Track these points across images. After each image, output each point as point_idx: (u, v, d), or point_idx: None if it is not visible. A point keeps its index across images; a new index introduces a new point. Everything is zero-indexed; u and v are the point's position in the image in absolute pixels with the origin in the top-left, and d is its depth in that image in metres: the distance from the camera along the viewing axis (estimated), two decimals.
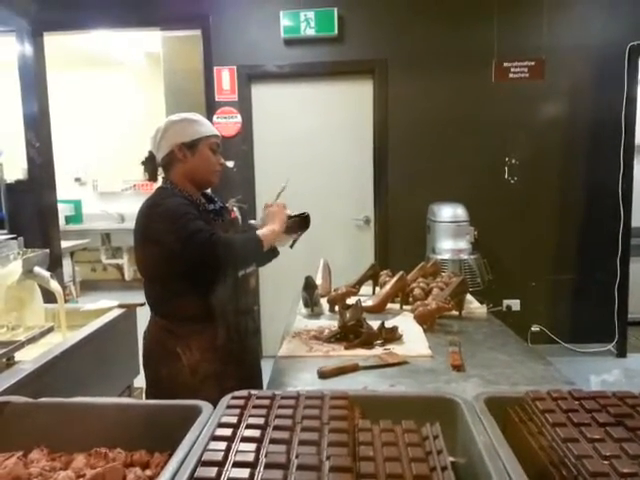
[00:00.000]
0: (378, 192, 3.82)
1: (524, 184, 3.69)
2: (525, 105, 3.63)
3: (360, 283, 2.33)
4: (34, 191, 3.87)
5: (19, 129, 3.81)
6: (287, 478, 0.60)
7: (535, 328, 3.75)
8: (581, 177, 3.67)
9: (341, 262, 2.83)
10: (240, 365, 1.64)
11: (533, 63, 3.53)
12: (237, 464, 0.63)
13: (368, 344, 1.66)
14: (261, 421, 0.73)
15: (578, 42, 3.58)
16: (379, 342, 1.67)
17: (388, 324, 1.73)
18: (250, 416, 0.74)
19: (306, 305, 2.11)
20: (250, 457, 0.64)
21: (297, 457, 0.64)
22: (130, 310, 2.12)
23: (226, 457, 0.64)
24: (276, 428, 0.71)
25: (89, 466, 0.71)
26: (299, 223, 1.80)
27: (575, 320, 3.74)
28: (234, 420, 0.73)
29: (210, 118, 3.66)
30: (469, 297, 2.18)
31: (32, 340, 1.87)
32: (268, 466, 0.62)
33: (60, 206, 4.55)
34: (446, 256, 3.28)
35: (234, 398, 0.81)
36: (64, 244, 4.52)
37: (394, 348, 1.62)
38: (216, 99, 3.75)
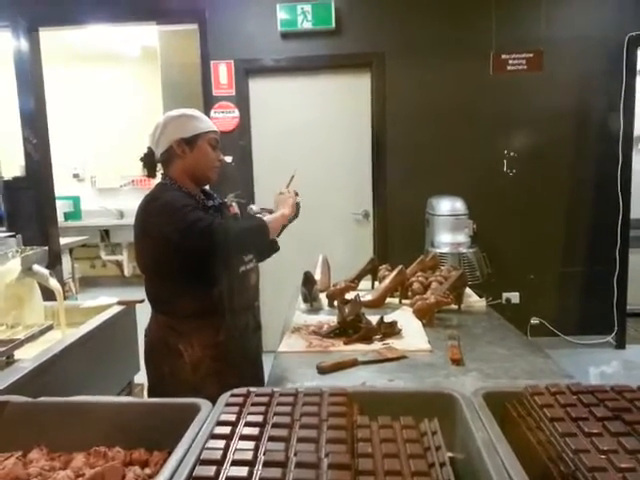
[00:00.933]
0: (377, 186, 3.82)
1: (523, 177, 3.68)
2: (523, 97, 3.62)
3: (359, 278, 2.33)
4: (32, 188, 3.86)
5: (16, 126, 3.79)
6: (286, 476, 0.61)
7: (534, 321, 3.75)
8: (580, 169, 3.67)
9: (340, 257, 2.82)
10: (242, 361, 1.65)
11: (531, 55, 3.52)
12: (236, 462, 0.63)
13: (367, 339, 1.66)
14: (260, 419, 0.73)
15: (576, 33, 3.56)
16: (378, 337, 1.67)
17: (387, 319, 1.73)
18: (249, 414, 0.75)
19: (305, 300, 2.12)
20: (249, 455, 0.64)
21: (296, 455, 0.64)
22: (130, 307, 2.12)
23: (225, 455, 0.64)
24: (275, 426, 0.71)
25: (88, 465, 0.71)
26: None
27: (574, 312, 3.75)
28: (233, 418, 0.73)
29: (208, 113, 3.64)
30: (468, 291, 2.18)
31: (31, 338, 1.87)
32: (267, 464, 0.62)
33: (58, 203, 4.54)
34: (445, 250, 3.28)
35: (233, 396, 0.81)
36: (63, 241, 4.52)
37: (393, 343, 1.62)
38: (213, 94, 3.73)
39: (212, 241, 1.44)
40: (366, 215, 3.88)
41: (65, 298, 3.76)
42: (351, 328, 1.70)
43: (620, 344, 3.72)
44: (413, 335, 1.70)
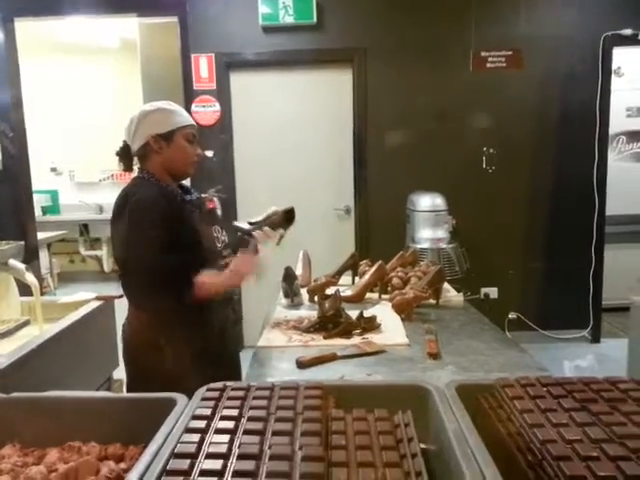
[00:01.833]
0: (358, 181, 3.83)
1: (502, 173, 3.73)
2: (502, 95, 3.67)
3: (340, 273, 2.34)
4: (8, 182, 3.79)
5: None
6: (259, 468, 0.61)
7: (512, 315, 3.82)
8: (557, 166, 3.73)
9: (322, 252, 2.83)
10: (222, 355, 1.65)
11: (510, 53, 3.57)
12: (210, 455, 0.63)
13: (347, 334, 1.68)
14: (235, 412, 0.73)
15: (554, 32, 3.61)
16: (357, 331, 1.69)
17: (367, 314, 1.75)
18: (224, 408, 0.75)
19: (286, 295, 2.12)
20: (223, 448, 0.64)
21: (270, 447, 0.65)
22: (108, 302, 2.10)
23: (199, 449, 0.64)
24: (250, 419, 0.72)
25: (62, 461, 0.71)
26: (284, 217, 1.78)
27: (551, 307, 3.82)
28: (208, 412, 0.73)
29: (188, 107, 3.62)
30: (446, 286, 2.21)
31: (7, 334, 1.85)
32: (241, 457, 0.63)
33: (36, 197, 4.47)
34: (425, 245, 3.31)
35: (209, 390, 0.81)
36: (41, 235, 4.44)
37: (372, 337, 1.64)
38: (194, 87, 3.70)
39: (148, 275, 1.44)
40: (347, 210, 3.90)
41: (43, 293, 3.72)
42: (331, 323, 1.71)
43: (595, 338, 3.81)
44: (392, 330, 1.72)
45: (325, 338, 1.66)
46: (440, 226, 3.35)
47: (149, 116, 1.58)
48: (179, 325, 1.54)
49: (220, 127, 3.74)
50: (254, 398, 0.78)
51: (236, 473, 0.60)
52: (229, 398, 0.78)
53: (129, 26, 4.63)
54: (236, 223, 1.84)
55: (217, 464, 0.62)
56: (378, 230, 3.77)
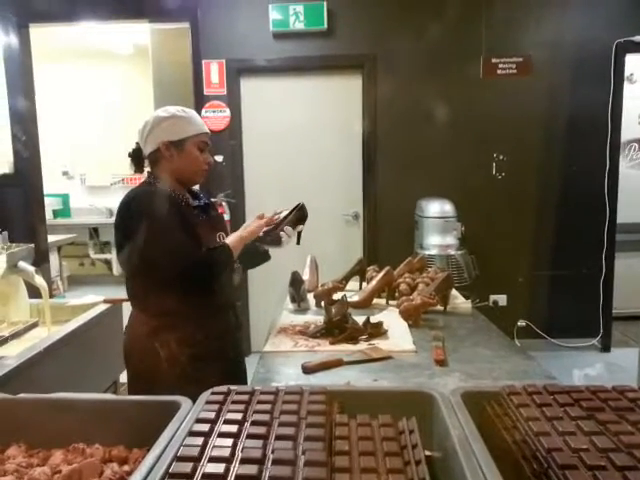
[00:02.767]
0: (367, 187, 3.83)
1: (511, 180, 3.71)
2: (513, 101, 3.65)
3: (347, 278, 2.34)
4: (20, 185, 3.83)
5: (5, 122, 3.76)
6: (262, 473, 0.61)
7: (521, 323, 3.78)
8: (568, 173, 3.70)
9: (330, 257, 2.83)
10: (222, 361, 1.64)
11: (521, 59, 3.55)
12: (213, 459, 0.63)
13: (353, 339, 1.67)
14: (239, 416, 0.73)
15: (566, 39, 3.60)
16: (364, 337, 1.68)
17: (373, 319, 1.74)
18: (228, 411, 0.75)
19: (293, 300, 2.12)
20: (226, 452, 0.64)
21: (273, 452, 0.65)
22: (116, 305, 2.12)
23: (202, 452, 0.64)
24: (254, 423, 0.72)
25: (66, 462, 0.71)
26: (297, 215, 1.78)
27: (561, 315, 3.78)
28: (212, 416, 0.73)
29: (199, 112, 3.64)
30: (454, 292, 2.20)
31: (16, 335, 1.87)
32: (243, 461, 0.63)
33: (47, 200, 4.51)
34: (434, 251, 3.30)
35: (213, 394, 0.81)
36: (51, 238, 4.48)
37: (379, 343, 1.63)
38: (205, 93, 3.73)
39: (184, 272, 1.47)
40: (356, 216, 3.90)
41: (53, 296, 3.75)
42: (337, 328, 1.71)
43: (605, 347, 3.76)
44: (399, 336, 1.71)
45: (331, 343, 1.65)
46: (449, 232, 3.34)
47: (162, 122, 1.58)
48: (180, 330, 1.54)
49: (230, 132, 3.76)
50: (258, 402, 0.78)
51: (239, 477, 0.60)
52: (233, 402, 0.78)
53: (141, 32, 4.67)
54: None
55: (220, 468, 0.61)
56: (386, 236, 3.77)
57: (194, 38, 3.69)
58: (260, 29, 3.64)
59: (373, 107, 3.72)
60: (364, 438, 0.70)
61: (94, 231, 6.04)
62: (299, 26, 3.59)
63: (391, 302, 2.11)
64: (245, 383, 1.73)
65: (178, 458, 0.63)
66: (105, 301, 2.10)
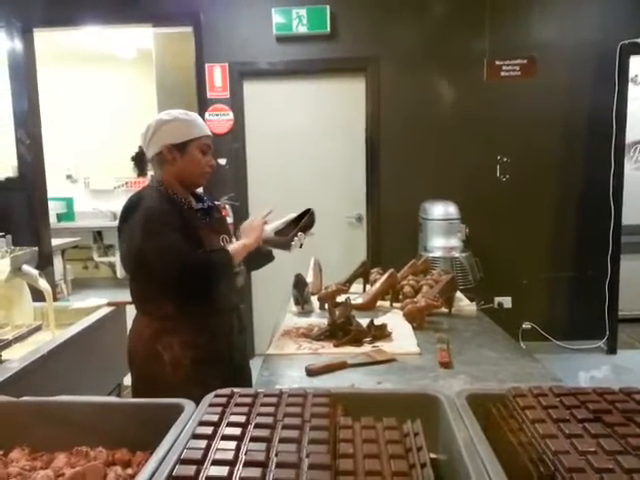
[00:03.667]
0: (370, 190, 3.83)
1: (516, 182, 3.70)
2: (517, 103, 3.64)
3: (351, 281, 2.33)
4: (24, 189, 3.85)
5: (9, 126, 3.78)
6: (266, 476, 0.61)
7: (526, 325, 3.76)
8: (572, 175, 3.69)
9: (334, 260, 2.83)
10: (226, 364, 1.64)
11: (525, 61, 3.54)
12: (216, 462, 0.62)
13: (357, 342, 1.66)
14: (242, 419, 0.73)
15: (570, 40, 3.59)
16: (368, 340, 1.68)
17: (377, 322, 1.74)
18: (232, 414, 0.74)
19: (296, 303, 2.12)
20: (230, 455, 0.64)
21: (277, 455, 0.64)
22: (120, 308, 2.12)
23: (206, 455, 0.64)
24: (257, 426, 0.71)
25: (69, 465, 0.71)
26: (307, 221, 1.78)
27: (566, 317, 3.76)
28: (215, 418, 0.72)
29: (202, 115, 3.64)
30: (459, 295, 2.19)
31: (20, 339, 1.87)
32: (247, 464, 0.62)
33: (51, 204, 4.53)
34: (438, 254, 3.29)
35: (217, 396, 0.81)
36: (55, 242, 4.50)
37: (383, 346, 1.63)
38: (208, 96, 3.74)
39: (179, 274, 1.46)
40: (359, 218, 3.89)
41: (56, 299, 3.75)
42: (341, 331, 1.70)
43: (611, 349, 3.73)
44: (403, 338, 1.70)
45: (335, 346, 1.64)
46: (453, 235, 3.33)
47: (165, 125, 1.58)
48: (183, 332, 1.54)
49: (233, 135, 3.77)
50: (261, 405, 0.77)
51: None
52: (236, 404, 0.78)
53: (145, 36, 4.69)
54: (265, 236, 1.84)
55: (223, 471, 0.61)
56: (390, 238, 3.76)
57: (197, 42, 3.70)
58: (263, 33, 3.65)
59: (376, 109, 3.72)
60: (368, 441, 0.69)
61: (98, 234, 6.06)
62: (302, 29, 3.60)
63: (395, 304, 2.11)
64: (250, 386, 1.73)
65: (181, 461, 0.63)
66: (109, 304, 2.10)
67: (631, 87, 3.72)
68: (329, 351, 1.61)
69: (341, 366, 1.46)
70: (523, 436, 0.72)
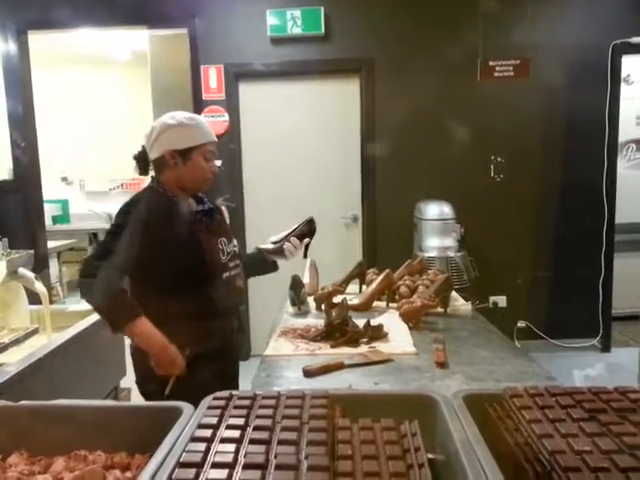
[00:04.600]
0: (366, 190, 3.83)
1: (510, 182, 3.72)
2: (510, 104, 3.66)
3: (347, 281, 2.34)
4: (20, 191, 3.83)
5: (4, 129, 3.77)
6: (265, 478, 0.61)
7: (521, 324, 3.78)
8: (566, 174, 3.71)
9: (330, 260, 2.83)
10: (222, 364, 1.64)
11: (518, 62, 3.56)
12: (216, 465, 0.63)
13: (354, 342, 1.67)
14: (241, 421, 0.73)
15: (563, 41, 3.61)
16: (365, 340, 1.68)
17: (374, 322, 1.74)
18: (230, 417, 0.75)
19: (293, 304, 2.12)
20: (229, 458, 0.64)
21: (276, 457, 0.65)
22: None
23: (205, 458, 0.64)
24: (256, 428, 0.72)
25: (68, 469, 0.71)
26: (304, 229, 1.79)
27: (560, 316, 3.78)
28: (214, 421, 0.73)
29: None
30: (454, 294, 2.20)
31: (16, 342, 1.86)
32: (246, 466, 0.62)
33: (47, 206, 4.51)
34: (433, 254, 3.30)
35: (215, 399, 0.81)
36: (51, 244, 4.48)
37: (379, 346, 1.63)
38: (203, 98, 3.74)
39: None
40: (355, 219, 3.90)
41: (52, 302, 3.74)
42: (338, 331, 1.71)
43: (605, 347, 3.76)
44: (399, 338, 1.71)
45: (332, 347, 1.65)
46: (448, 234, 3.34)
47: (169, 130, 1.57)
48: (184, 334, 1.54)
49: (229, 137, 3.76)
50: (260, 407, 0.78)
51: None
52: (235, 407, 0.78)
53: (140, 38, 4.68)
54: (261, 246, 1.84)
55: (223, 473, 0.61)
56: (385, 239, 3.77)
57: (192, 44, 3.70)
58: (258, 34, 3.65)
59: (371, 110, 3.72)
60: (366, 442, 0.70)
61: (94, 236, 6.03)
62: (297, 31, 3.60)
63: (391, 305, 2.12)
64: (237, 386, 1.73)
65: (181, 464, 0.63)
66: None
67: (623, 86, 3.75)
68: (326, 352, 1.61)
69: (338, 367, 1.46)
70: (520, 436, 0.73)
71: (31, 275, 1.97)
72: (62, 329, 1.92)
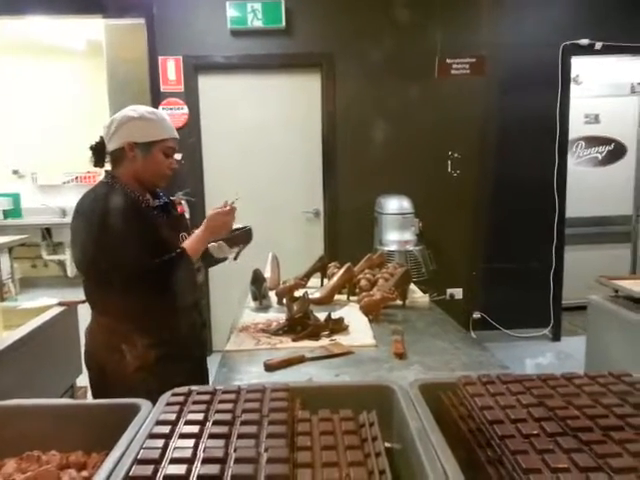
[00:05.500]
0: (327, 185, 3.85)
1: (466, 177, 3.82)
2: (467, 100, 3.75)
3: (308, 275, 2.35)
4: None
5: None
6: (224, 472, 0.61)
7: (476, 315, 3.90)
8: (520, 170, 3.83)
9: (291, 254, 2.83)
10: (188, 360, 1.63)
11: (474, 60, 3.64)
12: (174, 460, 0.63)
13: (315, 336, 1.68)
14: (200, 417, 0.73)
15: (517, 40, 3.72)
16: (326, 333, 1.70)
17: (335, 315, 1.76)
18: (190, 412, 0.75)
19: (254, 298, 2.11)
20: (188, 453, 0.64)
21: (235, 450, 0.65)
22: (71, 307, 2.06)
23: (163, 454, 0.64)
24: (215, 423, 0.72)
25: (20, 471, 0.69)
26: (242, 237, 1.77)
27: (513, 306, 3.92)
28: (173, 417, 0.72)
29: (155, 108, 3.57)
30: (413, 287, 2.24)
31: None
32: (205, 461, 0.63)
33: None
34: (393, 247, 3.36)
35: (174, 395, 0.80)
36: (2, 239, 4.30)
37: (340, 339, 1.65)
38: (161, 89, 3.66)
39: (141, 285, 1.45)
40: (317, 213, 3.91)
41: (4, 299, 3.60)
42: (299, 325, 1.71)
43: (556, 336, 3.93)
44: (359, 331, 1.73)
45: (294, 340, 1.66)
46: (407, 228, 3.40)
47: (130, 122, 1.54)
48: (144, 330, 1.52)
49: (188, 130, 3.70)
50: (220, 402, 0.78)
51: (201, 477, 0.60)
52: (194, 402, 0.78)
53: (95, 27, 4.53)
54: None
55: (181, 469, 0.61)
56: (347, 233, 3.80)
57: (150, 34, 3.62)
58: (218, 26, 3.60)
59: (332, 105, 3.74)
60: (325, 433, 0.71)
61: (47, 231, 5.83)
62: (257, 24, 3.57)
63: (352, 298, 2.14)
64: (207, 382, 1.72)
65: (138, 461, 0.63)
66: (59, 304, 2.03)
67: (573, 86, 3.90)
68: (287, 346, 1.62)
69: (299, 360, 1.47)
70: (472, 422, 0.75)
71: None
72: (14, 327, 1.86)
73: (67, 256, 5.86)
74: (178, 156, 3.63)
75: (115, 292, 1.49)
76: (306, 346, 1.60)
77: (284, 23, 3.57)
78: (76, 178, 5.90)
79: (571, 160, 4.21)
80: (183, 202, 3.68)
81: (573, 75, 3.94)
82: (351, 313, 1.90)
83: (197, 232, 1.62)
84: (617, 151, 4.55)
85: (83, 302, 1.91)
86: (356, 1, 3.68)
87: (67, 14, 3.79)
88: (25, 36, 5.16)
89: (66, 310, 2.02)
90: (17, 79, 5.77)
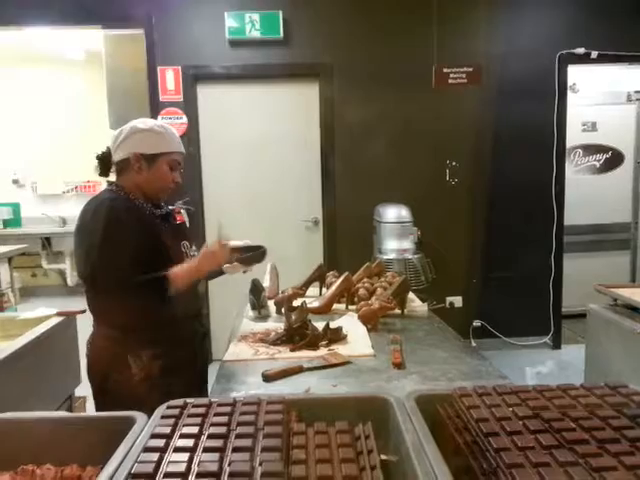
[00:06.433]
0: (326, 194, 3.86)
1: (464, 186, 3.82)
2: (464, 109, 3.76)
3: (307, 284, 2.35)
4: None
5: None
6: None
7: (476, 323, 3.89)
8: (517, 178, 3.83)
9: (290, 263, 2.83)
10: (190, 371, 1.63)
11: (471, 69, 3.65)
12: (168, 475, 0.63)
13: (313, 345, 1.68)
14: (195, 430, 0.73)
15: (513, 49, 3.74)
16: (324, 343, 1.69)
17: (333, 325, 1.76)
18: (184, 425, 0.75)
19: (253, 308, 2.11)
20: (182, 467, 0.64)
21: (230, 464, 0.65)
22: (70, 317, 2.05)
23: (157, 468, 0.64)
24: (210, 436, 0.72)
25: None
26: (256, 258, 1.74)
27: (513, 315, 3.90)
28: (167, 430, 0.72)
29: (154, 119, 3.58)
30: (411, 296, 2.24)
31: None
32: (199, 475, 0.63)
33: None
34: (391, 256, 3.35)
35: (169, 407, 0.80)
36: (1, 249, 4.30)
37: (338, 349, 1.65)
38: (160, 99, 3.68)
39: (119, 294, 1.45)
40: (315, 222, 3.92)
41: (4, 309, 3.59)
42: (298, 335, 1.71)
43: (556, 344, 3.91)
44: (358, 340, 1.73)
45: (292, 350, 1.65)
46: (406, 237, 3.40)
47: (138, 133, 1.56)
48: (146, 341, 1.52)
49: (187, 140, 3.70)
50: (215, 415, 0.78)
51: None
52: (189, 415, 0.78)
53: (94, 38, 4.56)
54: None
55: None
56: (345, 241, 3.80)
57: (149, 44, 3.63)
58: (216, 36, 3.62)
59: (330, 115, 3.75)
60: (321, 446, 0.71)
61: (47, 241, 5.83)
62: (255, 34, 3.60)
63: (350, 307, 2.14)
64: (207, 393, 1.71)
65: (133, 475, 0.63)
66: (58, 314, 2.03)
67: (570, 95, 3.92)
68: (285, 356, 1.62)
69: (297, 370, 1.47)
70: (468, 435, 0.75)
71: None
72: (13, 337, 1.85)
73: (67, 265, 5.86)
74: None
75: (113, 302, 1.49)
76: (304, 356, 1.59)
77: (282, 34, 3.59)
78: (76, 187, 5.92)
79: (569, 168, 4.21)
80: (182, 212, 3.69)
81: (570, 83, 3.96)
82: (349, 322, 1.90)
83: (191, 264, 1.56)
84: (614, 159, 4.56)
85: (82, 312, 1.92)
86: (354, 11, 3.70)
87: (67, 25, 3.81)
88: (25, 47, 5.20)
89: (65, 320, 2.01)
90: (17, 89, 5.81)
